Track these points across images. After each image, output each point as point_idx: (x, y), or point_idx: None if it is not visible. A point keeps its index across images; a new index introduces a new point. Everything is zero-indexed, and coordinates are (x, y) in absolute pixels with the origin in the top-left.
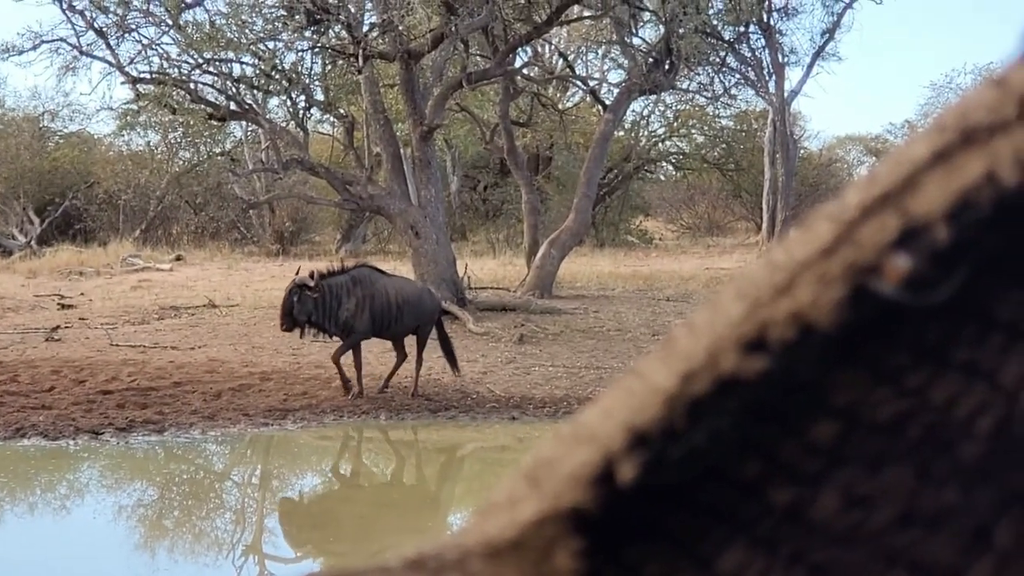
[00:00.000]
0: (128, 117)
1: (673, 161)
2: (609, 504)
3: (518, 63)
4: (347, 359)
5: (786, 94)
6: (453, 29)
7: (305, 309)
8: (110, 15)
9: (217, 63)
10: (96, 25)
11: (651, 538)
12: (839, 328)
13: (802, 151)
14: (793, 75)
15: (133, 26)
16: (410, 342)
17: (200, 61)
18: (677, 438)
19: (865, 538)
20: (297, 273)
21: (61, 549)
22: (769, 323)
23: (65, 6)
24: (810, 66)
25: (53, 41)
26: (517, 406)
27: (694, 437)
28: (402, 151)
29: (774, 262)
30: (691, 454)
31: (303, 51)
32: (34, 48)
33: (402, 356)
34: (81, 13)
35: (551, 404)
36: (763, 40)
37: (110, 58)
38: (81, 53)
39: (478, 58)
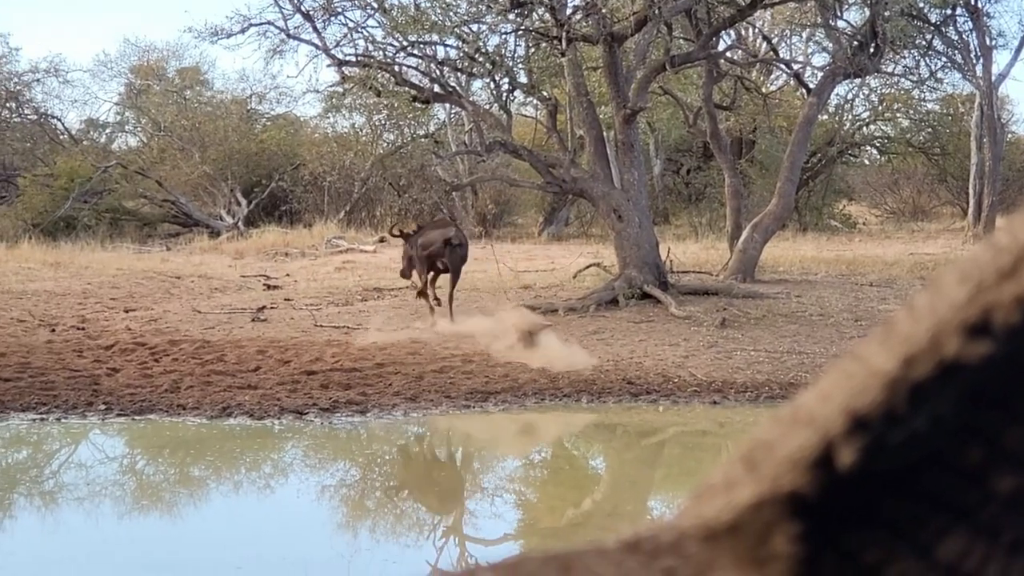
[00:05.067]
0: (334, 99)
1: (877, 145)
2: (827, 489)
3: (721, 46)
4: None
5: (994, 77)
6: (656, 12)
7: None
8: None
9: (421, 46)
10: (303, 8)
11: (869, 524)
12: None
13: (1010, 135)
14: (1001, 58)
15: (339, 9)
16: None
17: (405, 44)
18: (898, 423)
19: None
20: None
21: (265, 527)
22: (994, 307)
23: None
24: (1018, 49)
25: (261, 24)
26: (718, 390)
27: (915, 422)
28: (605, 134)
29: (999, 244)
30: (911, 439)
31: (507, 34)
32: (242, 31)
33: None
34: None
35: (753, 389)
36: (970, 23)
37: (316, 41)
38: (288, 36)
39: (681, 41)
